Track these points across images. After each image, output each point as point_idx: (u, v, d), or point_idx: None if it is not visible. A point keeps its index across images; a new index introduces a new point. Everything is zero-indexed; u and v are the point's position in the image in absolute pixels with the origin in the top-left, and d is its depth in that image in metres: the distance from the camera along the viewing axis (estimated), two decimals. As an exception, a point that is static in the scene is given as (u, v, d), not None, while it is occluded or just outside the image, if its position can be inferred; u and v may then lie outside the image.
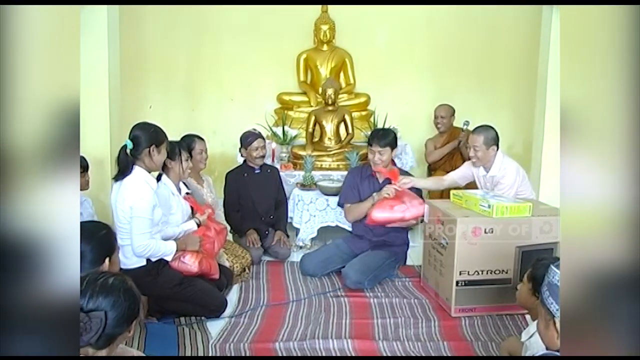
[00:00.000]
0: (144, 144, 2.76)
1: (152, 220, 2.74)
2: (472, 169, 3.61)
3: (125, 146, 2.76)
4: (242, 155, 4.01)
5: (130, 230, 2.71)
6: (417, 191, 3.56)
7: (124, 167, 2.75)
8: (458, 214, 2.97)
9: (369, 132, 4.80)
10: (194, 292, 2.87)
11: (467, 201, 3.15)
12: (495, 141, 3.44)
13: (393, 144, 3.53)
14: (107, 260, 1.94)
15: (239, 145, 3.94)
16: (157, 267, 2.81)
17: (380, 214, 3.37)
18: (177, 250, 2.87)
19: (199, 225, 3.09)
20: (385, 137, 3.52)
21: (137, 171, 2.75)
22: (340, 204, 3.77)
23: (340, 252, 3.61)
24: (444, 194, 4.12)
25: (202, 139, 3.60)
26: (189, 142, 3.46)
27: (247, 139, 3.88)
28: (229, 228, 3.72)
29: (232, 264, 3.43)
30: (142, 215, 2.69)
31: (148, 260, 2.79)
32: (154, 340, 2.63)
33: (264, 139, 3.99)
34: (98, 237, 1.95)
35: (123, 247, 2.75)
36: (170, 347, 2.60)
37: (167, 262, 2.85)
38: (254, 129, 4.05)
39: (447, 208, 3.12)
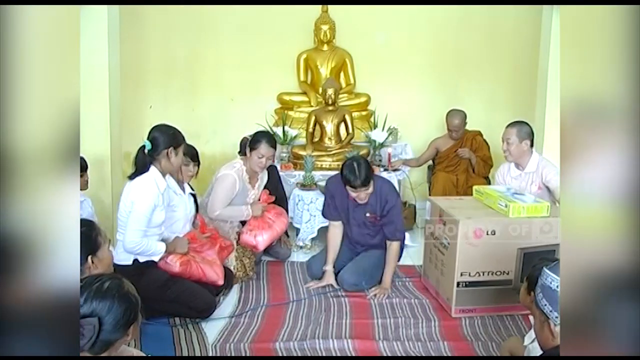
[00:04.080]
0: (162, 146, 2.82)
1: (150, 220, 2.77)
2: (499, 173, 3.59)
3: (143, 146, 2.80)
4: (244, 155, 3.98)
5: (125, 225, 2.73)
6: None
7: (141, 167, 2.81)
8: (460, 214, 2.95)
9: (369, 132, 4.84)
10: (179, 294, 2.85)
11: (487, 198, 3.14)
12: (529, 136, 3.38)
13: (371, 176, 3.15)
14: (89, 258, 1.88)
15: (239, 147, 3.89)
16: (142, 268, 2.80)
17: (263, 238, 3.45)
18: (166, 252, 2.87)
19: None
20: (365, 178, 3.10)
21: (152, 170, 2.81)
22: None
23: (347, 251, 3.54)
24: (468, 191, 4.08)
25: (273, 146, 3.49)
26: (256, 139, 3.44)
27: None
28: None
29: (235, 266, 3.43)
30: (140, 211, 2.73)
31: (135, 260, 2.80)
32: (149, 341, 2.63)
33: None
34: None
35: (118, 242, 2.81)
36: (167, 348, 2.60)
37: (153, 262, 2.85)
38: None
39: (449, 207, 3.10)
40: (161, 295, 2.81)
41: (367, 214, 3.31)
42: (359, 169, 3.07)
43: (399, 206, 3.34)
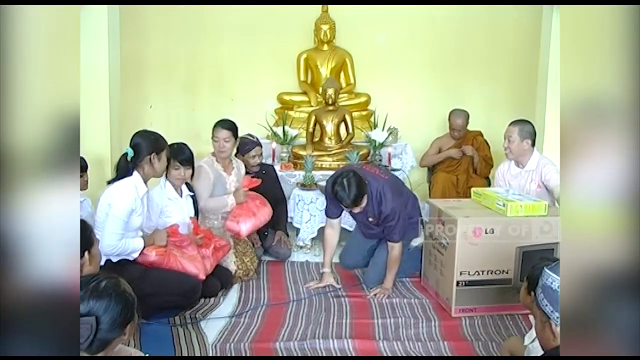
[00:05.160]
0: (145, 152, 2.81)
1: (127, 223, 2.75)
2: (499, 171, 3.59)
3: (126, 154, 2.78)
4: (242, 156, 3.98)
5: (102, 228, 2.72)
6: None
7: (123, 173, 2.79)
8: (459, 214, 2.96)
9: (369, 132, 4.84)
10: (157, 283, 2.80)
11: (485, 199, 3.15)
12: (531, 136, 3.42)
13: (363, 195, 3.06)
14: (86, 253, 1.90)
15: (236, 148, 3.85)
16: (115, 268, 2.73)
17: (246, 226, 3.47)
18: (145, 246, 2.85)
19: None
20: (354, 199, 3.03)
21: (134, 175, 2.81)
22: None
23: (363, 240, 3.53)
24: (468, 191, 4.07)
25: (225, 129, 3.54)
26: (214, 126, 3.54)
27: (245, 146, 3.83)
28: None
29: (237, 268, 3.42)
30: (117, 214, 2.72)
31: (107, 260, 2.75)
32: (149, 341, 2.63)
33: (261, 146, 3.94)
34: None
35: None
36: (166, 348, 2.60)
37: (127, 260, 2.81)
38: (252, 135, 3.97)
39: (448, 208, 3.11)
40: (140, 290, 2.70)
41: (370, 219, 3.30)
42: (349, 188, 2.98)
43: (396, 212, 3.20)
